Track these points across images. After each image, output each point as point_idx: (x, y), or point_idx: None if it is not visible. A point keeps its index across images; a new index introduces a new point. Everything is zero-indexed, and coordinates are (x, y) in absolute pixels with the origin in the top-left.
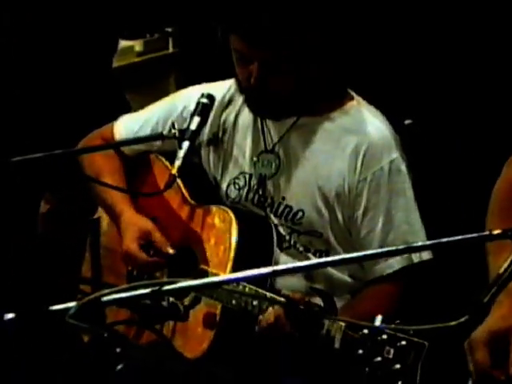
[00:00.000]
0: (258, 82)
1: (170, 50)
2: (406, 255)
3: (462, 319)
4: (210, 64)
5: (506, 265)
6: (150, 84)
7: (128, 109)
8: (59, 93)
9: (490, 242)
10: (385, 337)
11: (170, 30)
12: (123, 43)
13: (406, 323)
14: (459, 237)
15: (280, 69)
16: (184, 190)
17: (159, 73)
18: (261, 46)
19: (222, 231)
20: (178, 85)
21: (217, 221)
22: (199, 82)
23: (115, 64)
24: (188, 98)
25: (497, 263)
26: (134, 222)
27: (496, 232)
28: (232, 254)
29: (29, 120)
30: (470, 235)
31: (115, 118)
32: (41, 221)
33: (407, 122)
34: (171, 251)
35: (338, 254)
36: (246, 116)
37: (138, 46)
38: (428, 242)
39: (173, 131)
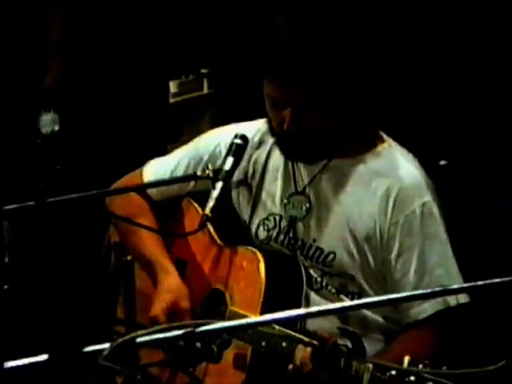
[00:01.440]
0: (290, 127)
1: (205, 90)
2: (441, 299)
3: (500, 364)
4: (243, 104)
5: None
6: (185, 124)
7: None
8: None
9: None
10: (412, 378)
11: (204, 71)
12: None
13: (440, 366)
14: (497, 280)
15: (312, 113)
16: (213, 231)
17: (194, 113)
18: (291, 90)
19: (250, 272)
20: (212, 125)
21: (245, 262)
22: (233, 122)
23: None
24: (219, 138)
25: None
26: (173, 290)
27: None
28: (261, 295)
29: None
30: (508, 278)
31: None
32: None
33: (442, 162)
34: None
35: (371, 295)
36: (277, 157)
37: (173, 87)
38: (464, 285)
39: (207, 172)
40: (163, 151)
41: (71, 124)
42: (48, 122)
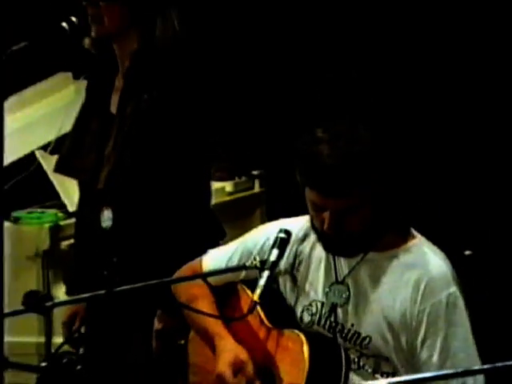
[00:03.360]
0: (330, 227)
1: (256, 189)
2: (461, 380)
3: None
4: (291, 202)
5: None
6: (238, 219)
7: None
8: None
9: None
10: None
11: (256, 172)
12: (216, 184)
13: None
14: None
15: (349, 215)
16: (262, 315)
17: (246, 210)
18: (331, 198)
19: (295, 353)
20: (263, 220)
21: (290, 343)
22: (281, 218)
23: None
24: (267, 233)
25: None
26: (231, 348)
27: None
28: (305, 374)
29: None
30: None
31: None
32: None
33: (467, 252)
34: None
35: (403, 374)
36: (319, 250)
37: (228, 186)
38: (483, 367)
39: (254, 262)
40: (212, 246)
41: (126, 220)
42: (107, 217)
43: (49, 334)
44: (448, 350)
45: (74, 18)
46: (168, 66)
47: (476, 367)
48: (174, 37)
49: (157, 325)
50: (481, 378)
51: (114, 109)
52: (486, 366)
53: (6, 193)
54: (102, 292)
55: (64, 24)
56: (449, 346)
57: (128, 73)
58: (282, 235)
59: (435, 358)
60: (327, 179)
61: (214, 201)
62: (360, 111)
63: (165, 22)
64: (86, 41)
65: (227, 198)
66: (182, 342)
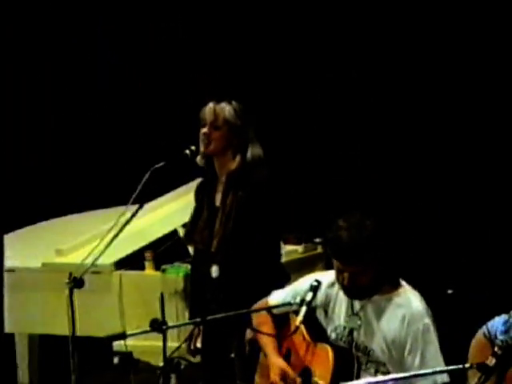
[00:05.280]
0: (347, 283)
1: (319, 250)
2: (432, 378)
3: None
4: None
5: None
6: (306, 270)
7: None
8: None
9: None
10: None
11: (317, 240)
12: (291, 247)
13: None
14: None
15: (361, 276)
16: (305, 332)
17: (311, 264)
18: (347, 266)
19: (324, 358)
20: (323, 270)
21: (321, 352)
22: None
23: (285, 259)
24: (307, 282)
25: None
26: (278, 365)
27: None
28: (330, 372)
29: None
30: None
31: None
32: (248, 347)
33: (449, 291)
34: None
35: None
36: (342, 294)
37: (300, 249)
38: (445, 368)
39: (296, 301)
40: (281, 286)
41: (227, 272)
42: (215, 270)
43: (164, 344)
44: (424, 359)
45: (193, 147)
46: (254, 176)
47: (440, 368)
48: (259, 159)
49: (248, 334)
50: (445, 376)
51: (218, 203)
52: (447, 368)
53: (160, 254)
54: (199, 319)
55: (187, 151)
56: (424, 357)
57: (227, 180)
58: (315, 283)
59: (416, 363)
60: (345, 254)
61: (289, 258)
62: (367, 210)
63: (253, 149)
64: (198, 158)
65: (299, 256)
66: (232, 355)
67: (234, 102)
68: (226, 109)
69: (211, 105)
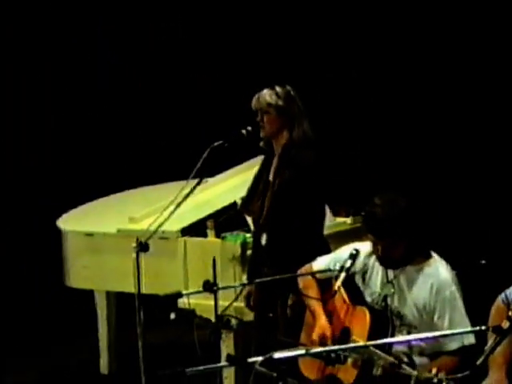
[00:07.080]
0: (381, 255)
1: (349, 221)
2: (460, 340)
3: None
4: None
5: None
6: (353, 239)
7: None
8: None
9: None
10: (435, 380)
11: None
12: (342, 219)
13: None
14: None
15: (393, 247)
16: (344, 295)
17: (357, 234)
18: (380, 239)
19: (362, 319)
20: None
21: (360, 313)
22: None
23: (335, 229)
24: (347, 250)
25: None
26: (320, 324)
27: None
28: (367, 331)
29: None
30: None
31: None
32: (290, 310)
33: (483, 261)
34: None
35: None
36: (377, 264)
37: (348, 220)
38: (462, 330)
39: (337, 267)
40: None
41: (274, 239)
42: (264, 238)
43: (216, 303)
44: (452, 321)
45: (249, 128)
46: (299, 156)
47: (468, 329)
48: (304, 136)
49: (290, 300)
50: (472, 338)
51: (271, 177)
52: (473, 329)
53: (221, 223)
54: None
55: (243, 131)
56: (453, 320)
57: (279, 156)
58: (354, 251)
59: (445, 327)
60: (378, 229)
61: (339, 228)
62: (401, 188)
63: (299, 127)
64: (261, 143)
65: (348, 227)
66: (271, 314)
67: (276, 87)
68: (268, 94)
69: (256, 95)
